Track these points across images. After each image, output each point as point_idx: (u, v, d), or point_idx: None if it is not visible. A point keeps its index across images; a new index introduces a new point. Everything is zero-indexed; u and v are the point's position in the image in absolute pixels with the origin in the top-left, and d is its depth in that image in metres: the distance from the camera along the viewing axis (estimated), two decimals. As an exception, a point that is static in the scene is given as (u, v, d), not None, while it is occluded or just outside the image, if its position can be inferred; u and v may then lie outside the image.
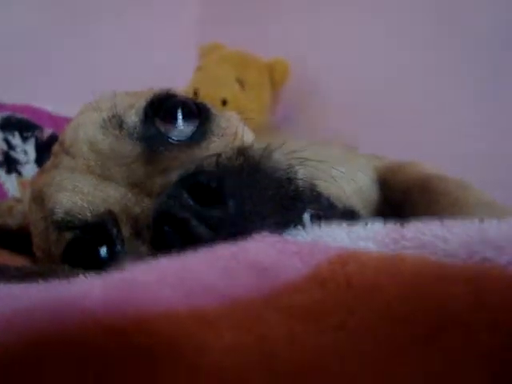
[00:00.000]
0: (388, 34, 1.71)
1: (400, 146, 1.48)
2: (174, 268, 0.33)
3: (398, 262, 0.31)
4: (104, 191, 0.58)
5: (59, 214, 0.59)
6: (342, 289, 0.29)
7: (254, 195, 0.50)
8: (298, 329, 0.27)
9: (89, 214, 0.58)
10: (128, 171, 0.58)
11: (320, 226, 0.48)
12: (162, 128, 0.62)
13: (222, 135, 0.65)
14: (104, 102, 0.67)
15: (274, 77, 1.84)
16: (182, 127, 0.63)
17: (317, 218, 0.51)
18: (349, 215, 0.58)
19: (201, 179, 0.49)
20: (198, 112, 0.65)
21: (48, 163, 0.70)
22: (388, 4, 1.71)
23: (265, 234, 0.40)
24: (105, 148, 0.61)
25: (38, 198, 0.65)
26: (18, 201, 0.80)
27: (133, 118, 0.62)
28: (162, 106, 0.64)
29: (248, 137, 0.68)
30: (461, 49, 1.56)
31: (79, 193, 0.59)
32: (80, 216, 0.58)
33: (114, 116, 0.63)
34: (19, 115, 1.50)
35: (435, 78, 1.61)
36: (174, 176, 0.53)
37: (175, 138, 0.62)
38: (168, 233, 0.49)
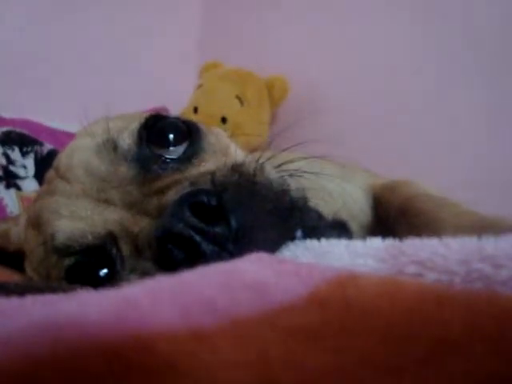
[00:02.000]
0: (388, 50, 1.72)
1: (401, 162, 1.50)
2: (172, 286, 0.32)
3: (396, 287, 0.31)
4: (102, 214, 0.59)
5: (60, 239, 0.60)
6: (342, 311, 0.29)
7: (253, 209, 0.51)
8: (297, 349, 0.27)
9: (90, 237, 0.58)
10: (124, 193, 0.59)
11: (319, 240, 0.49)
12: (155, 149, 0.63)
13: (214, 152, 0.66)
14: (97, 127, 0.68)
15: (273, 94, 1.86)
16: (173, 147, 0.64)
17: (309, 229, 0.52)
18: (338, 227, 0.59)
19: (201, 198, 0.49)
20: (188, 131, 0.66)
21: (43, 189, 0.71)
22: (388, 19, 1.72)
23: (261, 254, 0.40)
24: (100, 171, 0.62)
25: (36, 224, 0.65)
26: (15, 221, 0.80)
27: (126, 141, 0.64)
28: (153, 128, 0.65)
29: (239, 152, 0.69)
30: (473, 60, 1.56)
31: (77, 218, 0.60)
32: (81, 240, 0.59)
33: (108, 140, 0.64)
34: (19, 130, 1.51)
35: (442, 94, 1.62)
36: (170, 195, 0.54)
37: (168, 158, 0.63)
38: (172, 250, 0.49)
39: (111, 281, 0.56)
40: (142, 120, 0.66)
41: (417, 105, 1.65)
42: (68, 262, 0.59)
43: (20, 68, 1.73)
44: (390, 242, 0.43)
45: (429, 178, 0.84)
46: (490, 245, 0.38)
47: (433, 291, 0.30)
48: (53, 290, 0.49)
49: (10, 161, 1.43)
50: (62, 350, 0.27)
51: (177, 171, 0.61)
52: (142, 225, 0.55)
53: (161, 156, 0.63)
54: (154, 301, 0.30)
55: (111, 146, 0.63)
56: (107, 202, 0.59)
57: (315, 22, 1.87)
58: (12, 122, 1.52)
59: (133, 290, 0.32)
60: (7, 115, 1.53)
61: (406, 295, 0.30)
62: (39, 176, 1.46)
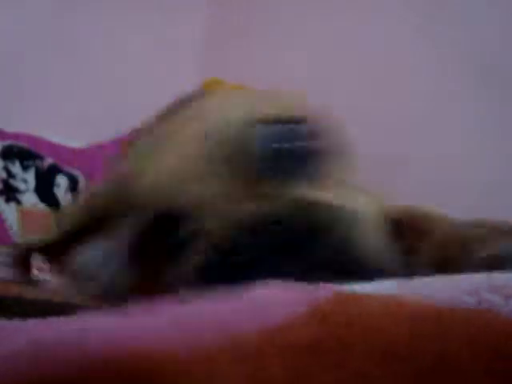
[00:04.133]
0: (391, 71, 1.73)
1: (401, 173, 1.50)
2: (173, 306, 0.32)
3: (398, 305, 0.31)
4: (206, 186, 0.58)
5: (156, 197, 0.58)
6: (342, 327, 0.29)
7: None
8: (297, 366, 0.27)
9: (183, 202, 0.57)
10: (241, 183, 0.58)
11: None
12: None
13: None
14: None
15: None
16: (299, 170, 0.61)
17: None
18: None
19: None
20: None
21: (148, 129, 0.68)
22: (390, 40, 1.74)
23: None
24: (233, 152, 0.59)
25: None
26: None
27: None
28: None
29: None
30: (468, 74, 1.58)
31: (183, 180, 0.58)
32: (176, 203, 0.58)
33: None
34: (20, 144, 1.51)
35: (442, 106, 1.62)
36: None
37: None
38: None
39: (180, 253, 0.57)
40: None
41: (419, 117, 1.66)
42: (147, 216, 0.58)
43: (23, 82, 1.73)
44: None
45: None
46: (500, 277, 0.38)
47: (433, 310, 0.30)
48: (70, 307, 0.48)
49: (10, 175, 1.43)
50: (62, 370, 0.27)
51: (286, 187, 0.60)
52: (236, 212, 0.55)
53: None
54: (155, 321, 0.30)
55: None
56: (218, 176, 0.58)
57: (319, 44, 1.89)
58: (14, 136, 1.53)
59: (133, 312, 0.32)
60: (9, 129, 1.53)
61: (407, 313, 0.30)
62: (39, 190, 1.46)
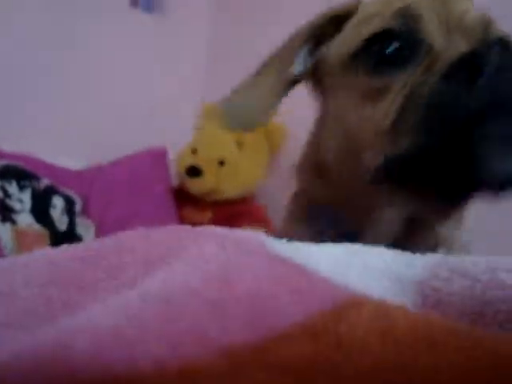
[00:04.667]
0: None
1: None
2: (158, 312, 0.31)
3: (388, 323, 0.30)
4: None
5: None
6: (332, 347, 0.29)
7: None
8: (288, 382, 0.27)
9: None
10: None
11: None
12: None
13: None
14: None
15: (272, 141, 1.88)
16: None
17: None
18: None
19: None
20: None
21: None
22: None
23: (262, 241, 0.40)
24: None
25: None
26: None
27: None
28: None
29: None
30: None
31: None
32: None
33: None
34: (17, 164, 1.52)
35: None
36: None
37: None
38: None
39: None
40: None
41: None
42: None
43: (22, 101, 1.74)
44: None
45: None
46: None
47: (426, 330, 0.30)
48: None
49: (6, 194, 1.43)
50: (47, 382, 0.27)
51: None
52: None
53: None
54: (139, 331, 0.29)
55: None
56: None
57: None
58: (11, 156, 1.53)
59: (117, 319, 0.31)
60: (7, 148, 1.54)
61: (397, 332, 0.29)
62: (35, 211, 1.46)
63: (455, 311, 0.36)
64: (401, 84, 0.59)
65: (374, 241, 0.55)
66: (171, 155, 1.92)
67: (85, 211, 1.63)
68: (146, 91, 2.04)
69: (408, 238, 0.65)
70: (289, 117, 1.89)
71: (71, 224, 1.55)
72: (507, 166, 0.54)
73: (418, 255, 0.43)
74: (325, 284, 0.35)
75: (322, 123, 0.72)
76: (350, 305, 0.32)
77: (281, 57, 0.73)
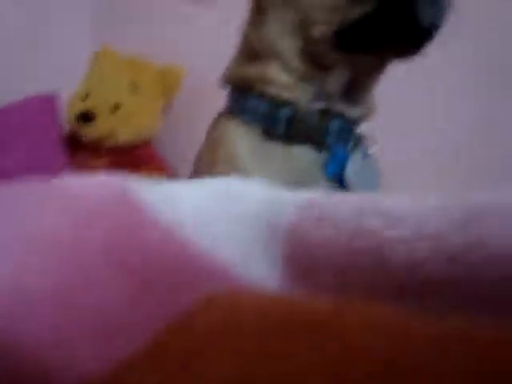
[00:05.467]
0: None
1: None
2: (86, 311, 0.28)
3: (238, 331, 0.27)
4: None
5: None
6: (179, 370, 0.26)
7: None
8: None
9: None
10: None
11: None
12: None
13: None
14: None
15: (167, 83, 1.82)
16: None
17: None
18: None
19: None
20: None
21: None
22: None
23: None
24: None
25: None
26: None
27: None
28: None
29: None
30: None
31: None
32: None
33: None
34: None
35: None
36: None
37: None
38: None
39: None
40: None
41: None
42: None
43: None
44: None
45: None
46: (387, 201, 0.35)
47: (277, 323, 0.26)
48: None
49: None
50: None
51: None
52: None
53: None
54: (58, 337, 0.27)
55: None
56: None
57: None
58: None
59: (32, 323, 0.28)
60: None
61: (244, 346, 0.26)
62: None
63: (323, 262, 0.33)
64: None
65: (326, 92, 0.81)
66: (64, 100, 1.82)
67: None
68: (33, 33, 1.91)
69: (350, 97, 0.83)
70: (187, 59, 1.85)
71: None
72: (429, 15, 0.74)
73: (293, 193, 0.40)
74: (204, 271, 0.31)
75: (262, 14, 0.85)
76: (202, 308, 0.29)
77: None
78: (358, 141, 0.84)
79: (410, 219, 0.32)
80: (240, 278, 0.31)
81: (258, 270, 0.32)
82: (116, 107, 1.74)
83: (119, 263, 0.29)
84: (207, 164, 0.85)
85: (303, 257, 0.34)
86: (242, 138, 0.83)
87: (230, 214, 0.36)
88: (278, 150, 0.81)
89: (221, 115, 0.90)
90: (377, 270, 0.31)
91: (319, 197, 0.38)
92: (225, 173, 0.79)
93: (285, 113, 0.81)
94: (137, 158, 1.76)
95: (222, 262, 0.32)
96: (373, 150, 0.86)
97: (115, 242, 0.30)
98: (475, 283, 0.29)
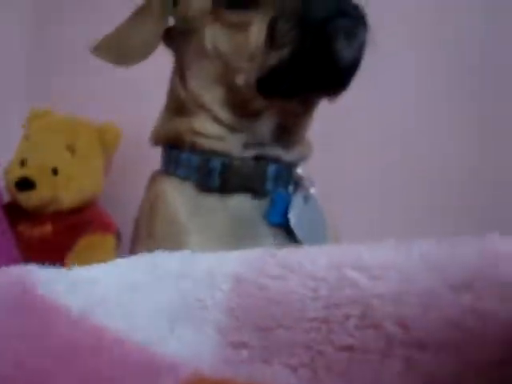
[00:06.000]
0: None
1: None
2: None
3: None
4: None
5: None
6: None
7: None
8: None
9: None
10: None
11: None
12: None
13: None
14: None
15: (105, 141, 1.80)
16: None
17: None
18: None
19: None
20: None
21: None
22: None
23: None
24: None
25: None
26: None
27: None
28: None
29: None
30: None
31: None
32: None
33: None
34: None
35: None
36: None
37: None
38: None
39: None
40: None
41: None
42: None
43: None
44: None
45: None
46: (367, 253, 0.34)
47: None
48: None
49: None
50: None
51: None
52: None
53: None
54: None
55: None
56: None
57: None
58: None
59: None
60: None
61: None
62: None
63: (291, 315, 0.32)
64: (260, 16, 0.77)
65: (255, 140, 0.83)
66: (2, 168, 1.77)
67: None
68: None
69: (284, 141, 0.84)
70: (122, 118, 1.84)
71: None
72: (348, 53, 0.75)
73: (235, 252, 0.40)
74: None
75: (186, 67, 0.86)
76: None
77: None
78: (298, 184, 0.84)
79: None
80: (156, 355, 0.30)
81: (183, 342, 0.31)
82: (54, 172, 1.70)
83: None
84: (146, 225, 0.85)
85: (261, 308, 0.33)
86: (178, 195, 0.82)
87: (151, 292, 0.34)
88: (215, 202, 0.81)
89: (156, 174, 0.90)
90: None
91: (265, 251, 0.37)
92: (164, 232, 0.78)
93: (217, 164, 0.81)
94: (82, 220, 1.72)
95: (137, 342, 0.31)
96: (312, 190, 0.86)
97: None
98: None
